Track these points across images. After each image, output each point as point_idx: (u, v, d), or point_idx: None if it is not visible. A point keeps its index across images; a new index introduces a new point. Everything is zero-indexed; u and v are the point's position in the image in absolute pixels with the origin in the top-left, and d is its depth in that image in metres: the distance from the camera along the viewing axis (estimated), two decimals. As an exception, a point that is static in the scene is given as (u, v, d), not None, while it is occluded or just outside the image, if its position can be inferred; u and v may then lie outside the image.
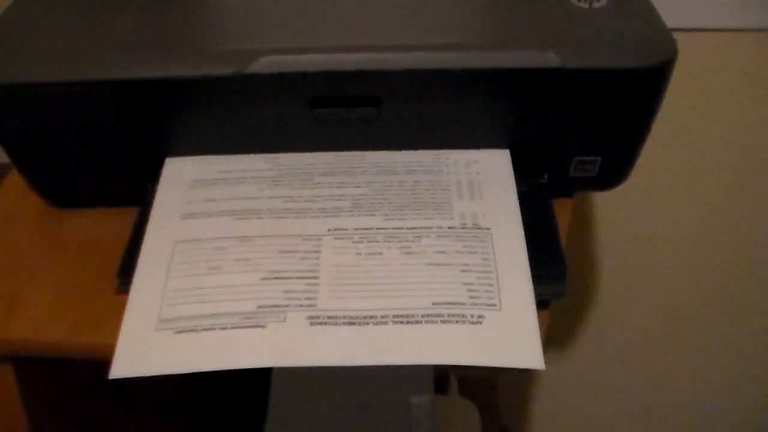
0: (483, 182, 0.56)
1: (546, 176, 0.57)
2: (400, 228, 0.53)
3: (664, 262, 1.00)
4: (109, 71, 0.51)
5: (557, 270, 0.51)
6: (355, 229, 0.53)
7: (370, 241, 0.52)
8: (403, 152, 0.59)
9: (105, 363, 0.46)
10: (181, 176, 0.57)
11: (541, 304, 0.49)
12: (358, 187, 0.56)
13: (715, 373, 1.12)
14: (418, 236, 0.53)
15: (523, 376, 1.11)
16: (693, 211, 0.94)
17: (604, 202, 0.93)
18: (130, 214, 0.57)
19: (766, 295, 1.01)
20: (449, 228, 0.53)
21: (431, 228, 0.53)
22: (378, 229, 0.53)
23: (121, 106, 0.52)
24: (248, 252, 0.52)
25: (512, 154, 0.57)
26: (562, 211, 0.57)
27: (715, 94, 0.83)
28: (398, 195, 0.55)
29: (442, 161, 0.58)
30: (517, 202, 0.55)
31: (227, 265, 0.51)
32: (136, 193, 0.57)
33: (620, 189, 0.59)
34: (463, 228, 0.53)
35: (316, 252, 0.52)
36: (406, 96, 0.54)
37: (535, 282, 0.49)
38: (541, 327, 0.47)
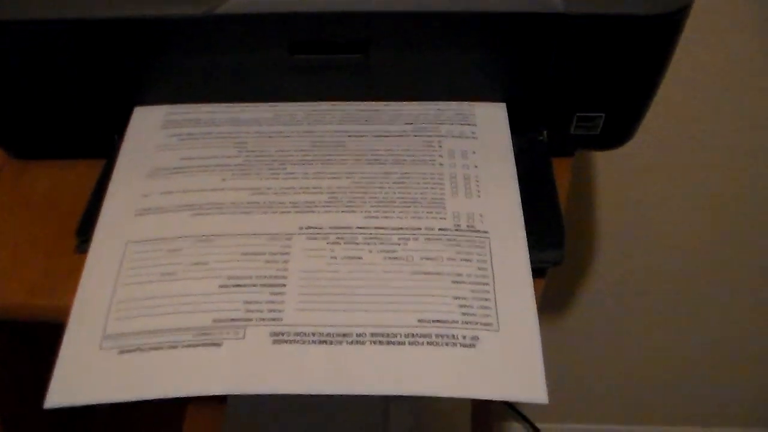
0: (481, 177, 0.48)
1: (545, 133, 0.53)
2: (383, 228, 0.46)
3: (666, 227, 0.96)
4: (69, 10, 0.46)
5: (555, 235, 0.47)
6: (331, 228, 0.46)
7: (348, 243, 0.45)
8: (392, 138, 0.52)
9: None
10: (148, 130, 0.52)
11: (538, 271, 0.45)
12: (337, 178, 0.48)
13: (714, 340, 1.10)
14: (404, 238, 0.45)
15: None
16: (699, 175, 0.90)
17: (606, 162, 0.88)
18: (98, 166, 0.53)
19: None
20: (440, 230, 0.46)
21: (419, 229, 0.46)
22: (358, 228, 0.46)
23: (82, 48, 0.48)
24: (206, 254, 0.45)
25: (509, 108, 0.53)
26: (562, 171, 0.53)
27: (729, 52, 0.78)
28: (383, 189, 0.48)
29: (435, 149, 0.50)
30: (520, 201, 0.47)
31: (182, 270, 0.44)
32: (103, 145, 0.53)
33: (624, 149, 0.56)
34: (457, 230, 0.46)
35: (284, 254, 0.45)
36: (396, 42, 0.49)
37: (532, 247, 0.45)
38: (536, 296, 0.43)
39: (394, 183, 0.48)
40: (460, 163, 0.50)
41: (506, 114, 0.53)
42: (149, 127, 0.53)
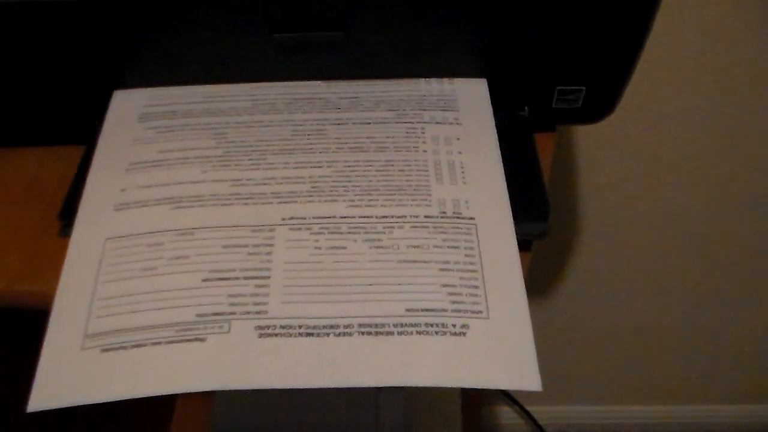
0: (466, 163, 0.48)
1: (527, 109, 0.53)
2: (367, 217, 0.45)
3: (649, 200, 0.96)
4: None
5: (539, 208, 0.47)
6: (314, 218, 0.45)
7: (332, 233, 0.44)
8: (374, 125, 0.51)
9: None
10: (125, 122, 0.51)
11: (523, 244, 0.45)
12: (319, 167, 0.47)
13: (702, 317, 1.11)
14: (390, 227, 0.44)
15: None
16: (680, 148, 0.90)
17: (588, 137, 0.89)
18: (79, 152, 0.52)
19: (753, 233, 0.99)
20: (426, 217, 0.45)
21: (405, 217, 0.45)
22: (341, 218, 0.45)
23: (56, 30, 0.47)
24: (188, 248, 0.44)
25: (491, 84, 0.52)
26: (545, 146, 0.53)
27: (708, 25, 0.78)
28: (366, 177, 0.47)
29: (418, 136, 0.49)
30: (506, 187, 0.46)
31: (163, 265, 0.43)
32: (83, 130, 0.52)
33: (605, 123, 0.55)
34: (443, 217, 0.45)
35: (267, 246, 0.44)
36: (376, 18, 0.48)
37: (517, 221, 0.45)
38: (522, 269, 0.43)
39: (377, 171, 0.47)
40: (444, 150, 0.49)
41: (488, 95, 0.52)
42: (126, 120, 0.51)
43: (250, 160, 0.48)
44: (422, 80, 0.53)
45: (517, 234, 0.44)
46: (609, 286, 1.08)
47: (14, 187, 0.53)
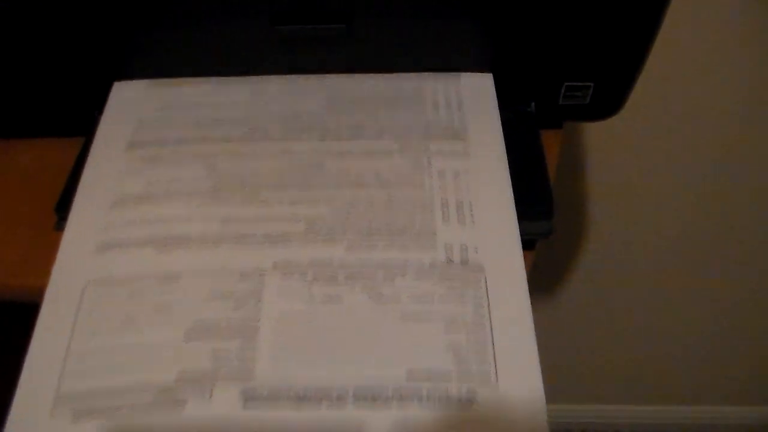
0: (474, 201, 0.44)
1: (533, 104, 0.52)
2: (367, 262, 0.41)
3: (659, 200, 0.94)
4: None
5: (544, 206, 0.46)
6: (309, 263, 0.41)
7: (327, 281, 0.40)
8: (377, 158, 0.47)
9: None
10: (112, 151, 0.48)
11: (527, 243, 0.43)
12: (316, 204, 0.43)
13: (707, 317, 1.10)
14: (391, 274, 0.40)
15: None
16: (691, 147, 0.87)
17: (596, 134, 0.86)
18: (78, 144, 0.51)
19: (765, 235, 0.97)
20: (431, 264, 0.41)
21: (408, 262, 0.41)
22: (338, 263, 0.41)
23: (58, 19, 0.46)
24: (171, 296, 0.40)
25: (496, 78, 0.51)
26: (551, 143, 0.52)
27: (722, 21, 0.74)
28: (367, 216, 0.43)
29: (424, 170, 0.45)
30: (518, 230, 0.42)
31: (145, 316, 0.40)
32: (83, 122, 0.51)
33: (614, 120, 0.54)
34: (449, 264, 0.41)
35: (256, 294, 0.40)
36: (380, 11, 0.46)
37: (521, 219, 0.43)
38: (526, 268, 0.41)
39: (379, 209, 0.43)
40: (452, 186, 0.45)
41: (499, 122, 0.48)
42: (115, 144, 0.48)
43: (242, 195, 0.44)
44: (429, 106, 0.49)
45: (521, 233, 0.42)
46: (615, 286, 1.06)
47: (11, 179, 0.53)
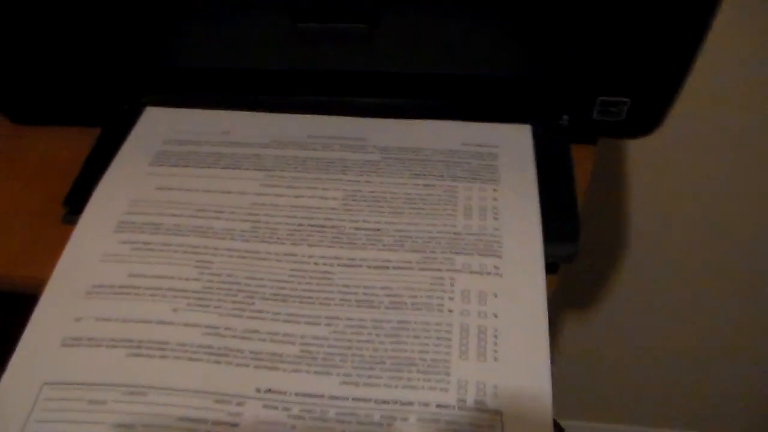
0: (501, 331, 0.37)
1: (566, 118, 0.49)
2: (364, 400, 0.35)
3: (696, 219, 0.89)
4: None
5: (569, 228, 0.43)
6: (296, 395, 0.35)
7: (316, 419, 0.35)
8: (392, 271, 0.42)
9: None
10: (99, 231, 0.44)
11: (551, 266, 0.41)
12: (315, 323, 0.38)
13: (744, 343, 1.04)
14: (390, 417, 0.34)
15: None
16: (730, 166, 0.82)
17: (634, 151, 0.82)
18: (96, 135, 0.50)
19: None
20: (439, 407, 0.34)
21: (412, 404, 0.35)
22: (331, 398, 0.35)
23: (87, 7, 0.45)
24: (134, 413, 0.35)
25: (527, 88, 0.48)
26: (583, 159, 0.49)
27: (764, 36, 0.69)
28: (372, 342, 0.37)
29: (445, 290, 0.39)
30: (549, 372, 0.35)
31: None
32: (104, 114, 0.51)
33: (653, 137, 0.50)
34: (461, 408, 0.34)
35: (232, 426, 0.34)
36: (405, 15, 0.44)
37: (544, 240, 0.41)
38: (548, 292, 0.39)
39: (386, 335, 0.37)
40: (476, 311, 0.38)
41: (540, 231, 0.43)
42: (102, 225, 0.44)
43: (234, 302, 0.39)
44: (461, 210, 0.44)
45: (545, 255, 0.40)
46: (649, 306, 1.01)
47: (26, 167, 0.52)
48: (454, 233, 0.42)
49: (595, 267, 0.97)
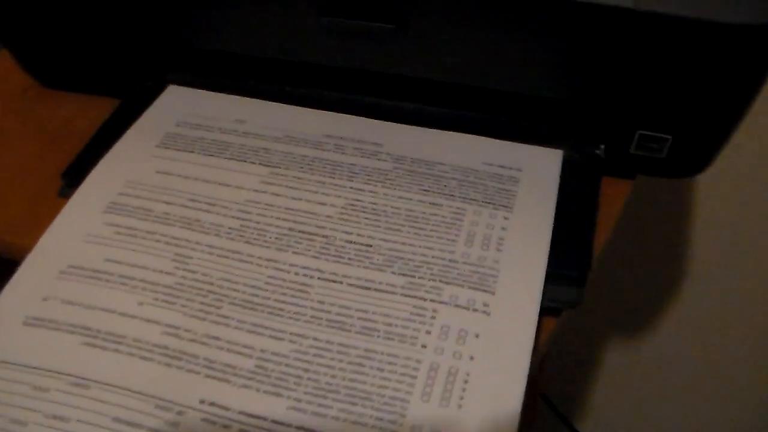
0: (474, 376, 0.35)
1: (603, 147, 0.45)
2: (306, 430, 0.32)
3: (751, 270, 0.84)
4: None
5: (577, 271, 0.39)
6: (239, 413, 0.33)
7: None
8: (373, 293, 0.39)
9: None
10: (90, 208, 0.43)
11: (553, 310, 0.38)
12: (278, 338, 0.36)
13: None
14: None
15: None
16: None
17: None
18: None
19: None
20: None
21: None
22: (273, 422, 0.33)
23: None
24: (72, 407, 0.34)
25: (564, 109, 0.45)
26: (617, 194, 0.45)
27: None
28: (332, 368, 0.35)
29: (425, 322, 0.37)
30: (517, 424, 0.32)
31: (35, 422, 0.34)
32: (131, 85, 0.50)
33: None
34: None
35: None
36: (436, 16, 0.42)
37: (547, 281, 0.38)
38: (544, 335, 0.37)
39: (349, 363, 0.35)
40: (451, 350, 0.36)
41: (543, 272, 0.39)
42: (90, 208, 0.43)
43: (201, 303, 0.37)
44: (463, 235, 0.40)
45: (544, 298, 0.37)
46: (699, 336, 0.97)
47: (45, 131, 0.51)
48: (450, 260, 0.39)
49: (646, 297, 0.94)
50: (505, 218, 0.41)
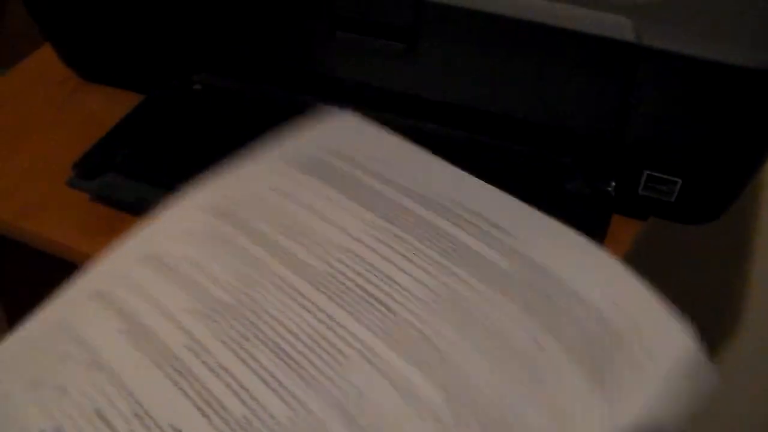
0: None
1: (613, 184, 0.43)
2: None
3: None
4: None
5: None
6: None
7: None
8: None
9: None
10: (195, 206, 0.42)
11: None
12: (281, 397, 0.33)
13: None
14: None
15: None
16: None
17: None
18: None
19: None
20: None
21: None
22: None
23: None
24: (74, 383, 0.34)
25: (572, 148, 0.44)
26: (625, 233, 0.44)
27: None
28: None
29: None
30: None
31: (47, 382, 0.34)
32: (155, 84, 0.52)
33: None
34: None
35: None
36: (445, 37, 0.42)
37: None
38: None
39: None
40: None
41: None
42: (199, 206, 0.42)
43: (236, 331, 0.36)
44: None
45: None
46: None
47: (72, 121, 0.53)
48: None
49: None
50: None
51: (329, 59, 0.47)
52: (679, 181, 0.42)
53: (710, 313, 0.88)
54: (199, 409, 0.33)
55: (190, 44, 0.51)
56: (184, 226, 0.40)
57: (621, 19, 0.38)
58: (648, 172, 0.42)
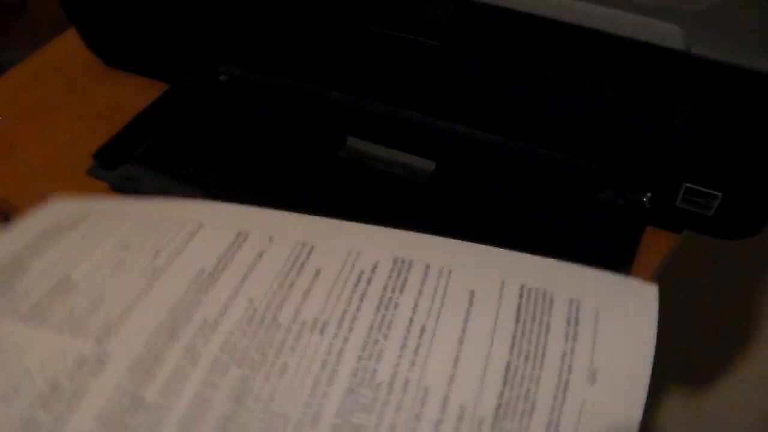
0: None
1: (649, 195, 0.43)
2: None
3: None
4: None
5: None
6: None
7: None
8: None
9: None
10: None
11: None
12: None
13: None
14: None
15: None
16: None
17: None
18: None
19: None
20: None
21: None
22: None
23: None
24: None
25: (606, 157, 0.43)
26: (658, 245, 0.43)
27: None
28: None
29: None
30: None
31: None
32: (181, 75, 0.52)
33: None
34: None
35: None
36: (483, 37, 0.41)
37: None
38: None
39: None
40: None
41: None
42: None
43: (258, 351, 0.34)
44: None
45: None
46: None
47: (95, 108, 0.53)
48: None
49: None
50: None
51: (359, 54, 0.46)
52: (720, 194, 0.41)
53: (738, 327, 0.87)
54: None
55: (219, 34, 0.50)
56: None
57: (670, 26, 0.36)
58: (687, 184, 0.41)
